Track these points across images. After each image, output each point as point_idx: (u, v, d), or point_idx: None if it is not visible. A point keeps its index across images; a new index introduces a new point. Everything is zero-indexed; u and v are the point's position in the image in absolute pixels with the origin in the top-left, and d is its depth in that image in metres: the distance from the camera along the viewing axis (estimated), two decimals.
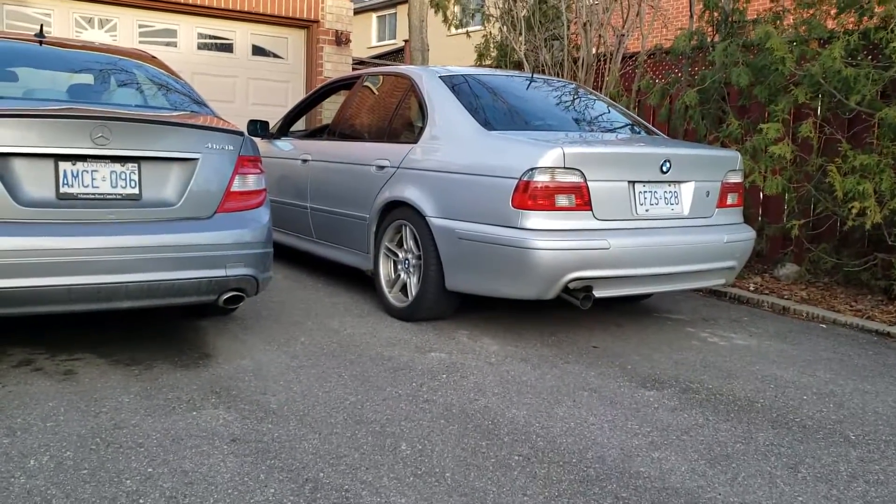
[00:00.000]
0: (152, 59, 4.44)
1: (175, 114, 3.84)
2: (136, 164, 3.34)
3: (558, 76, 7.51)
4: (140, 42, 8.34)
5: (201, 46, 8.80)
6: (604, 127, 4.82)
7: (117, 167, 3.30)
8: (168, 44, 8.56)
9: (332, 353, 3.80)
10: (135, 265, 3.22)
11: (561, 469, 2.64)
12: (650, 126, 5.10)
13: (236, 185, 3.59)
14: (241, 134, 3.63)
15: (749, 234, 4.45)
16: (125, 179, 3.31)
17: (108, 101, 3.90)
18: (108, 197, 3.27)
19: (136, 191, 3.34)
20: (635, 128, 4.92)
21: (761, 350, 4.23)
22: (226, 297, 3.51)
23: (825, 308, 5.20)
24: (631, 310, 4.98)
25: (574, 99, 5.09)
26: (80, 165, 3.21)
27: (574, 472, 2.61)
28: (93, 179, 3.24)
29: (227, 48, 8.95)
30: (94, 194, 3.24)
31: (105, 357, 3.57)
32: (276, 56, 9.24)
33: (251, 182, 3.67)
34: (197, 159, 3.47)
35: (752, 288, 5.70)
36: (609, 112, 5.03)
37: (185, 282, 3.34)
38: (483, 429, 2.95)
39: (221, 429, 2.83)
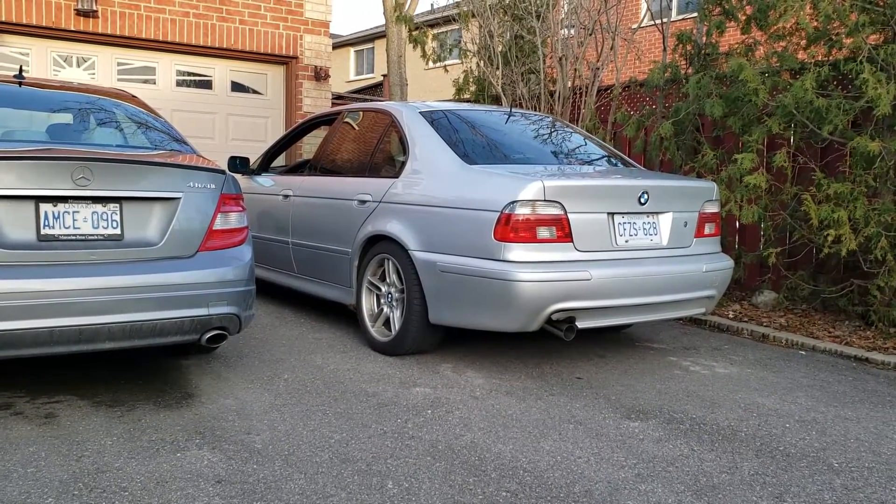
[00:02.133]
0: (132, 99, 4.45)
1: (156, 153, 3.85)
2: (117, 205, 3.34)
3: (535, 109, 7.61)
4: (119, 80, 8.34)
5: (180, 83, 8.82)
6: (582, 159, 4.88)
7: (98, 208, 3.29)
8: (147, 81, 8.58)
9: (316, 390, 3.79)
10: (117, 306, 3.20)
11: None
12: (627, 158, 5.18)
13: (218, 224, 3.59)
14: (222, 172, 3.64)
15: (727, 263, 4.51)
16: (107, 220, 3.30)
17: (89, 141, 3.90)
18: (90, 238, 3.26)
19: (118, 231, 3.33)
20: (612, 160, 4.99)
21: (742, 378, 4.27)
22: (208, 336, 3.49)
23: (804, 335, 5.26)
24: (613, 340, 5.00)
25: (552, 132, 5.16)
26: (61, 207, 3.21)
27: None
28: (74, 220, 3.23)
29: (207, 85, 8.98)
30: (75, 235, 3.23)
31: (86, 399, 3.53)
32: (255, 92, 9.28)
33: (233, 220, 3.68)
34: (179, 198, 3.47)
35: (731, 316, 5.75)
36: (586, 144, 5.10)
37: (167, 322, 3.33)
38: (470, 465, 2.94)
39: (206, 470, 2.80)
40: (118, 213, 3.34)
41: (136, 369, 4.02)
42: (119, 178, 3.33)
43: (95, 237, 3.27)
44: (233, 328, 3.58)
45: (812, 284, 5.55)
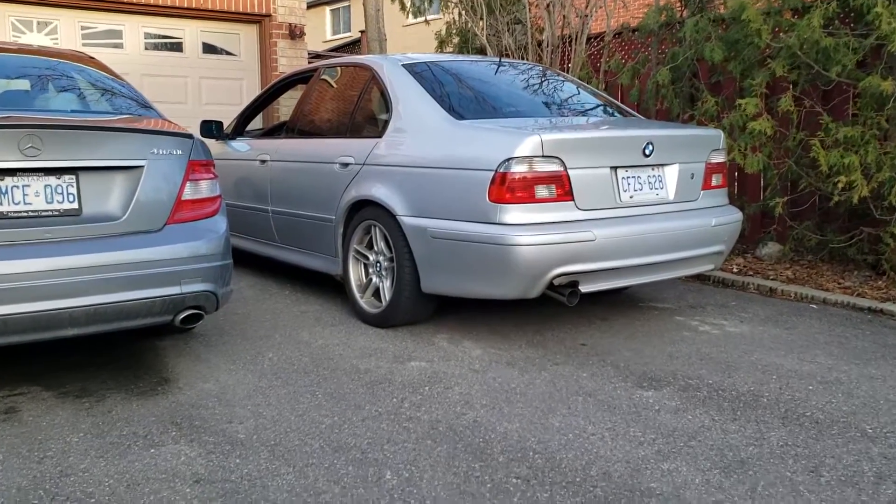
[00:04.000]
0: (91, 61, 4.09)
1: (116, 118, 3.51)
2: (73, 176, 3.01)
3: (523, 60, 7.25)
4: (83, 45, 7.90)
5: (149, 46, 8.39)
6: (578, 110, 4.57)
7: (52, 180, 2.97)
8: (113, 45, 8.13)
9: (304, 368, 3.51)
10: (77, 288, 2.90)
11: (565, 491, 2.39)
12: (625, 107, 4.86)
13: (188, 193, 3.28)
14: (189, 137, 3.32)
15: (736, 215, 4.24)
16: (62, 193, 2.98)
17: (43, 107, 3.55)
18: (44, 214, 2.94)
19: (75, 205, 3.01)
20: (610, 109, 4.68)
21: (755, 336, 4.03)
22: (182, 316, 3.20)
23: (813, 287, 5.02)
24: (615, 301, 4.74)
25: (544, 82, 4.84)
26: (8, 181, 2.88)
27: (580, 495, 2.36)
28: (24, 196, 2.91)
29: (177, 47, 8.55)
30: (27, 212, 2.91)
31: (51, 390, 3.24)
32: (228, 53, 8.85)
33: (204, 188, 3.36)
34: (142, 167, 3.15)
35: (735, 270, 5.51)
36: (581, 94, 4.78)
37: (135, 303, 3.03)
38: (474, 448, 2.68)
39: (183, 468, 2.53)
40: (74, 185, 3.01)
41: (108, 353, 3.73)
42: (74, 146, 3.00)
43: (50, 213, 2.95)
44: (209, 307, 3.29)
45: (819, 234, 5.29)
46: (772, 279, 5.24)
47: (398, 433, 2.80)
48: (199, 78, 8.66)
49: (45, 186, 2.95)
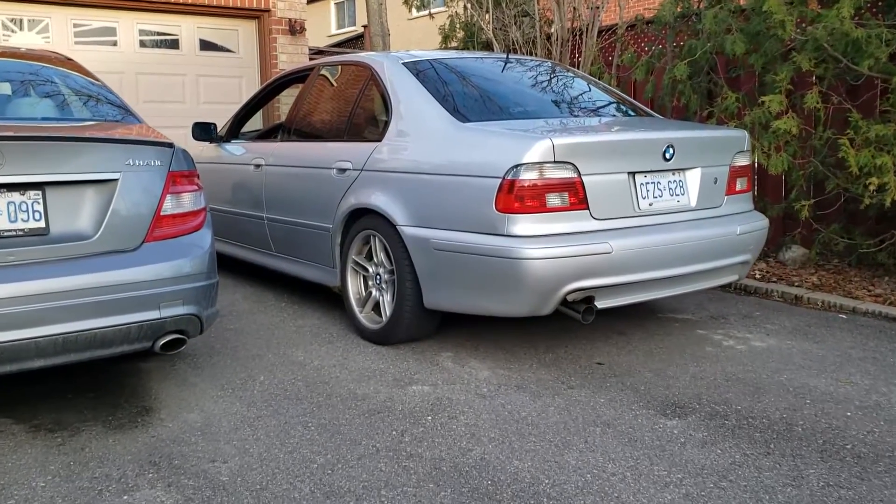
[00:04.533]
0: (66, 62, 3.82)
1: (89, 125, 3.25)
2: (39, 192, 2.75)
3: (531, 55, 6.95)
4: (76, 43, 7.65)
5: (144, 44, 8.13)
6: (591, 110, 4.28)
7: (15, 197, 2.70)
8: (107, 43, 7.88)
9: (297, 395, 3.25)
10: (45, 316, 2.63)
11: None
12: (641, 105, 4.57)
13: (168, 207, 3.01)
14: (169, 146, 3.05)
15: (762, 222, 3.95)
16: (27, 211, 2.72)
17: (10, 115, 3.28)
18: (7, 234, 2.68)
19: (42, 224, 2.74)
20: (625, 108, 4.39)
21: (783, 352, 3.74)
22: (163, 342, 2.94)
23: (842, 294, 4.73)
24: (632, 312, 4.45)
25: (554, 79, 4.55)
26: None
27: None
28: None
29: (173, 44, 8.29)
30: None
31: (24, 422, 2.99)
32: (226, 50, 8.58)
33: (187, 202, 3.09)
34: (116, 180, 2.88)
35: (758, 276, 5.21)
36: (594, 92, 4.49)
37: (109, 330, 2.76)
38: (482, 492, 2.41)
39: None
40: (41, 201, 2.75)
41: (88, 377, 3.46)
42: (40, 158, 2.74)
43: (13, 233, 2.69)
44: (192, 330, 3.02)
45: (847, 238, 4.99)
46: (797, 286, 4.94)
47: (397, 474, 2.53)
48: (196, 76, 8.41)
49: (8, 203, 2.68)
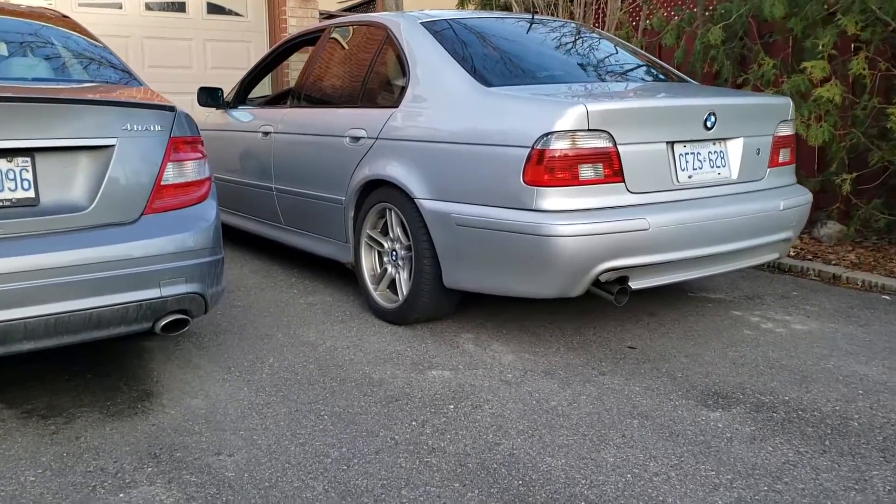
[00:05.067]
0: (63, 20, 3.56)
1: (85, 87, 3.00)
2: (28, 158, 2.51)
3: (552, 17, 6.63)
4: (80, 5, 7.39)
5: (150, 7, 7.86)
6: (622, 75, 3.99)
7: (2, 164, 2.46)
8: (112, 6, 7.62)
9: (308, 379, 3.03)
10: (35, 294, 2.41)
11: None
12: (675, 71, 4.28)
13: (169, 176, 2.77)
14: (171, 109, 2.80)
15: (806, 196, 3.68)
16: (14, 179, 2.48)
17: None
18: None
19: (31, 194, 2.51)
20: (658, 73, 4.11)
21: (827, 336, 3.50)
22: (164, 323, 2.71)
23: (883, 273, 4.46)
24: (661, 291, 4.21)
25: (580, 42, 4.25)
26: None
27: None
28: None
29: (180, 7, 8.01)
30: None
31: (16, 406, 2.78)
32: (234, 13, 8.30)
33: (190, 170, 2.85)
34: (112, 146, 2.64)
35: (792, 253, 4.95)
36: (623, 55, 4.20)
37: (105, 310, 2.54)
38: (513, 494, 2.19)
39: None
40: (30, 169, 2.51)
41: (86, 357, 3.25)
42: (29, 122, 2.49)
43: (0, 203, 2.45)
44: (196, 310, 2.79)
45: (889, 214, 4.71)
46: (834, 264, 4.68)
47: (419, 472, 2.31)
48: (203, 40, 8.14)
49: None
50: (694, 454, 2.42)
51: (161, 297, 2.64)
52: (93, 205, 2.59)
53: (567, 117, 2.95)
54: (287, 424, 2.63)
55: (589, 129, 2.97)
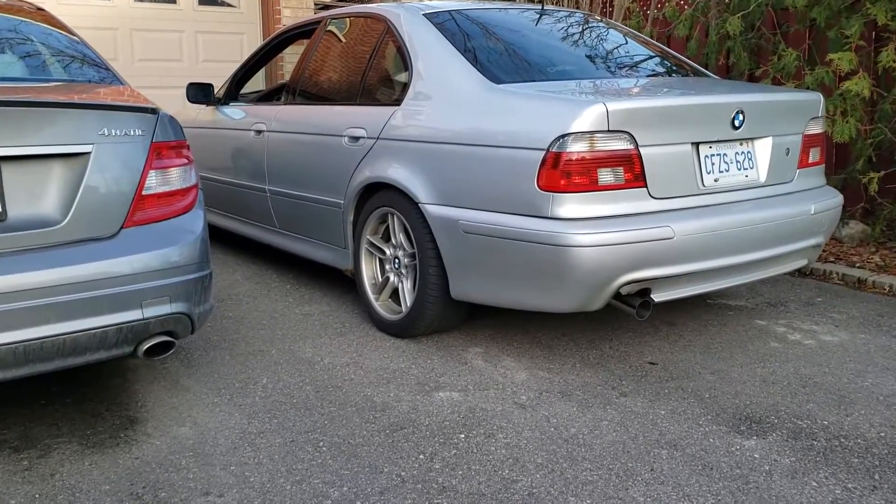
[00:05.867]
0: (37, 13, 3.31)
1: (57, 87, 2.75)
2: None
3: (557, 6, 6.36)
4: None
5: None
6: (638, 70, 3.75)
7: None
8: None
9: (305, 402, 2.79)
10: (1, 320, 2.17)
11: None
12: (695, 65, 4.03)
13: (152, 185, 2.53)
14: (152, 111, 2.55)
15: (837, 199, 3.45)
16: None
17: None
18: None
19: None
20: (677, 68, 3.86)
21: (860, 349, 3.27)
22: (147, 346, 2.47)
23: None
24: (679, 298, 3.96)
25: (591, 34, 4.00)
26: None
27: None
28: None
29: None
30: None
31: None
32: (226, 4, 8.02)
33: (174, 178, 2.60)
34: (88, 153, 2.39)
35: None
36: (638, 48, 3.95)
37: (81, 335, 2.30)
38: None
39: None
40: None
41: (66, 379, 3.02)
42: None
43: None
44: (182, 331, 2.56)
45: None
46: (858, 267, 4.45)
47: None
48: (195, 32, 7.86)
49: None
50: (731, 491, 2.19)
51: (143, 319, 2.40)
52: (67, 219, 2.35)
53: (585, 118, 2.70)
54: (282, 458, 2.40)
55: (609, 131, 2.73)
